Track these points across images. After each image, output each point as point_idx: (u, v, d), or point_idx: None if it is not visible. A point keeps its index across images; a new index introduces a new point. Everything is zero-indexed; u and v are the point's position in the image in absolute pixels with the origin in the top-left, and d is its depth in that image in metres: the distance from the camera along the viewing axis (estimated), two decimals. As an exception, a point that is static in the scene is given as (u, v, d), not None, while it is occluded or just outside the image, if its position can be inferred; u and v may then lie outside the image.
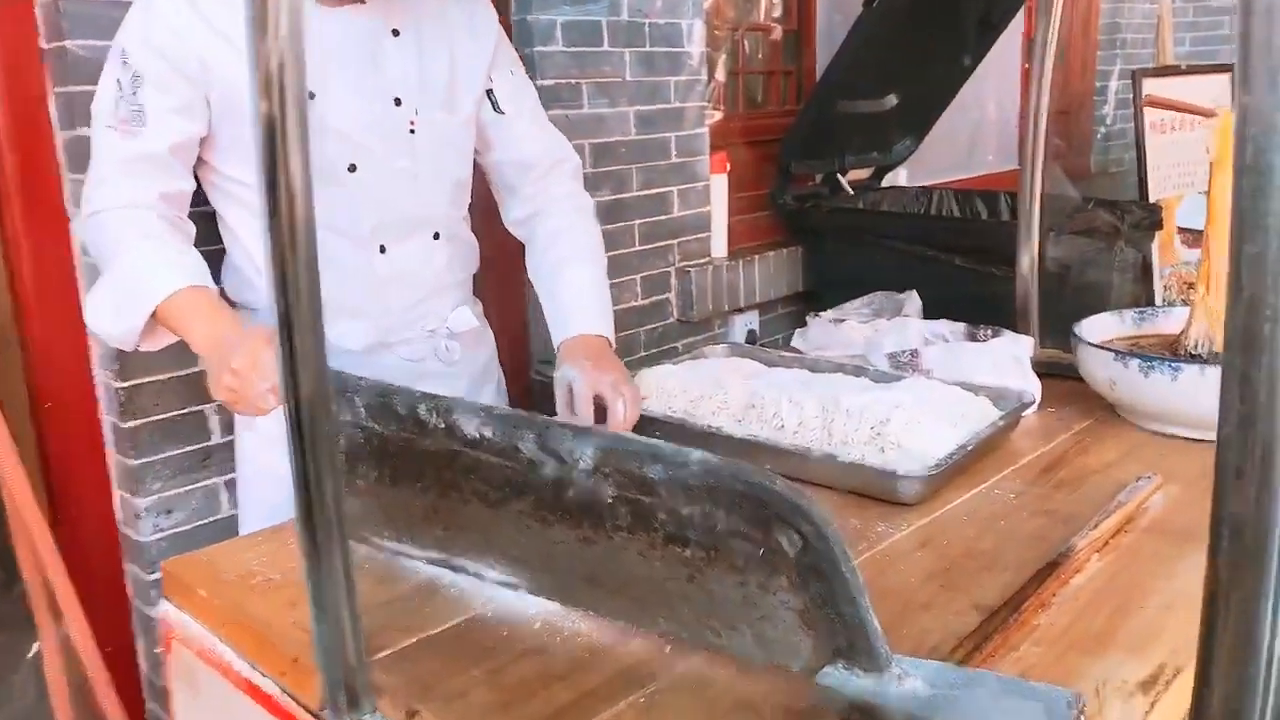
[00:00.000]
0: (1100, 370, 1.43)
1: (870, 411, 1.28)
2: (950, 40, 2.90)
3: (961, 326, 1.67)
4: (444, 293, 1.54)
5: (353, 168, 1.38)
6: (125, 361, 1.61)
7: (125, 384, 1.62)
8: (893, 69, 2.81)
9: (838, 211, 2.96)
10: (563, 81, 2.27)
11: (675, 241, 2.61)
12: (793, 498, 0.77)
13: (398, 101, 1.40)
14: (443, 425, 1.00)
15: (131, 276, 1.28)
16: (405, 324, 1.51)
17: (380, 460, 1.11)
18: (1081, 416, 1.48)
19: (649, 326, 2.60)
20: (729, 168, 2.74)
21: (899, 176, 3.48)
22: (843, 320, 1.74)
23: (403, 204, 1.44)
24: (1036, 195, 1.79)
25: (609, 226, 2.28)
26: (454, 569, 1.07)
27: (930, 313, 1.88)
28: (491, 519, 1.01)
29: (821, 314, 1.82)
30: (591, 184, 2.00)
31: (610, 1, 2.33)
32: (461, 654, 0.92)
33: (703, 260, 2.71)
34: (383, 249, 1.44)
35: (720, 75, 2.91)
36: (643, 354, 2.58)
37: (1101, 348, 1.43)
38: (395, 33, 1.40)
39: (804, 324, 1.85)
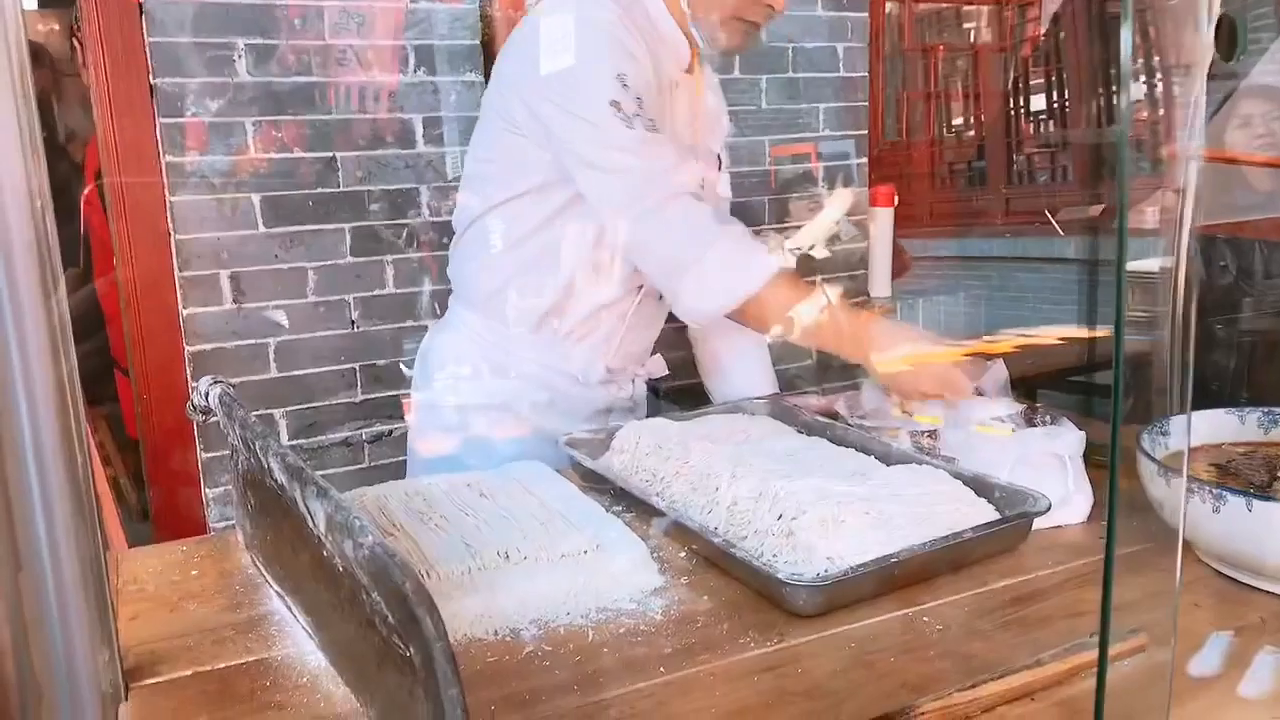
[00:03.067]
0: (1149, 483, 1.14)
1: (794, 500, 1.11)
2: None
3: (1021, 409, 1.41)
4: (652, 344, 1.72)
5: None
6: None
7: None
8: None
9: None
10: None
11: (818, 278, 2.44)
12: (411, 604, 0.68)
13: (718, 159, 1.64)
14: (264, 464, 1.00)
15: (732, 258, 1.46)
16: (626, 368, 1.69)
17: (252, 489, 1.14)
18: (1139, 538, 1.19)
19: (782, 366, 2.45)
20: (896, 201, 2.51)
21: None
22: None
23: None
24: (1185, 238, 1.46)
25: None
26: (287, 605, 1.07)
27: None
28: (298, 564, 1.00)
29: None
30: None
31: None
32: (215, 698, 0.91)
33: (856, 300, 2.51)
34: (639, 288, 1.57)
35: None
36: (770, 394, 2.42)
37: (1148, 456, 1.14)
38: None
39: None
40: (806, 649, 0.96)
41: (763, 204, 2.35)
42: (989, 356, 1.68)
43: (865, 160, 2.45)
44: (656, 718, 0.85)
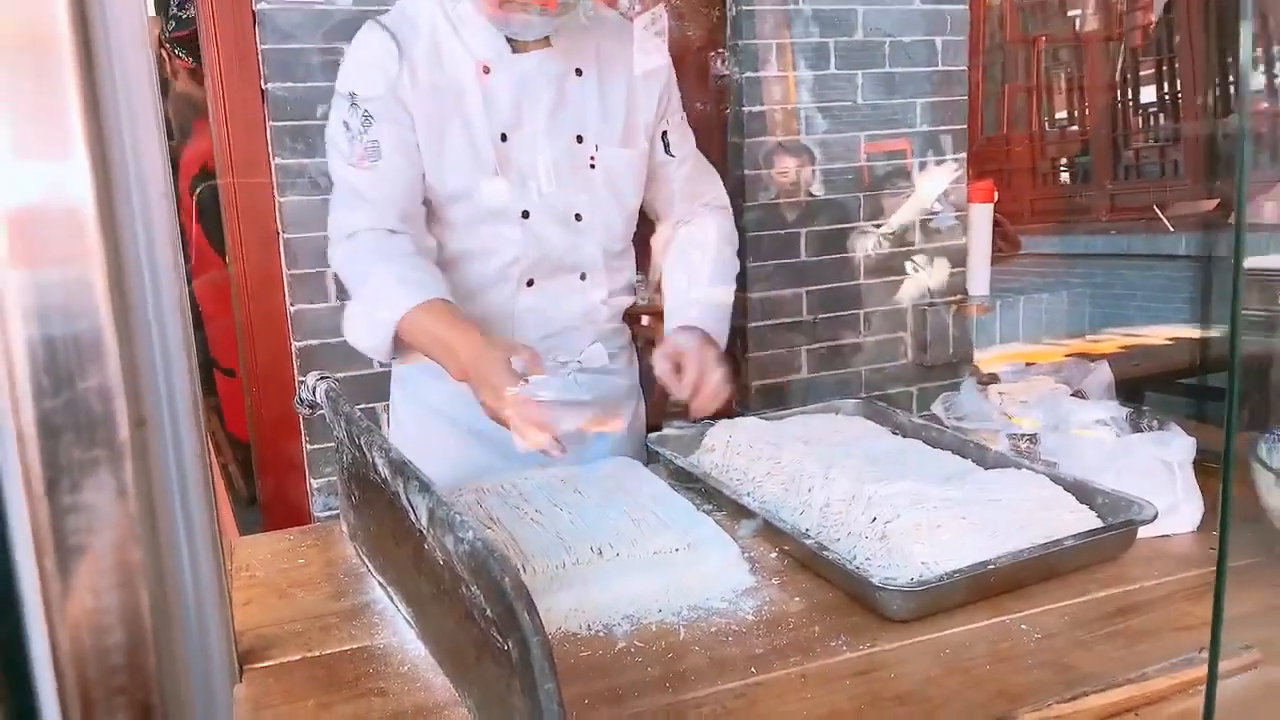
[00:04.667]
0: (1266, 493, 1.09)
1: (889, 503, 1.10)
2: None
3: (1127, 412, 1.36)
4: (581, 330, 1.56)
5: (526, 214, 1.44)
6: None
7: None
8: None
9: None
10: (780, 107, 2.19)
11: (910, 276, 2.40)
12: (510, 599, 0.70)
13: (579, 139, 1.46)
14: (369, 459, 1.04)
15: (373, 299, 1.38)
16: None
17: (356, 482, 1.18)
18: (1252, 551, 1.14)
19: (874, 366, 2.42)
20: (995, 197, 2.45)
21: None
22: (987, 386, 1.50)
23: (561, 245, 1.48)
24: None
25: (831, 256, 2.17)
26: (389, 595, 1.10)
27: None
28: (400, 556, 1.03)
29: (977, 377, 1.57)
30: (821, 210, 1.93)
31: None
32: (321, 683, 0.94)
33: (953, 298, 2.46)
34: (530, 283, 1.49)
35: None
36: (863, 395, 2.40)
37: (1264, 465, 1.09)
38: (579, 72, 1.45)
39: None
40: (899, 654, 0.95)
41: (856, 201, 2.32)
42: (1092, 357, 1.63)
43: (964, 155, 2.39)
44: (747, 718, 0.85)
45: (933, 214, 2.41)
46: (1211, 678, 0.65)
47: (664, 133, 1.54)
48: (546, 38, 1.41)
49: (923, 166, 2.33)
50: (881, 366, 2.41)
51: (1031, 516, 1.12)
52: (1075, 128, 6.11)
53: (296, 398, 1.37)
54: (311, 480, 2.00)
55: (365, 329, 1.40)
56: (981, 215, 2.44)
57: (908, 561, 1.04)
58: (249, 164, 1.99)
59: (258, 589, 1.15)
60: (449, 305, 1.33)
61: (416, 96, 1.37)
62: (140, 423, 0.27)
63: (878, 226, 2.39)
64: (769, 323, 2.30)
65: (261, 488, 2.11)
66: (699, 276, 1.56)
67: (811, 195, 2.24)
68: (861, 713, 0.86)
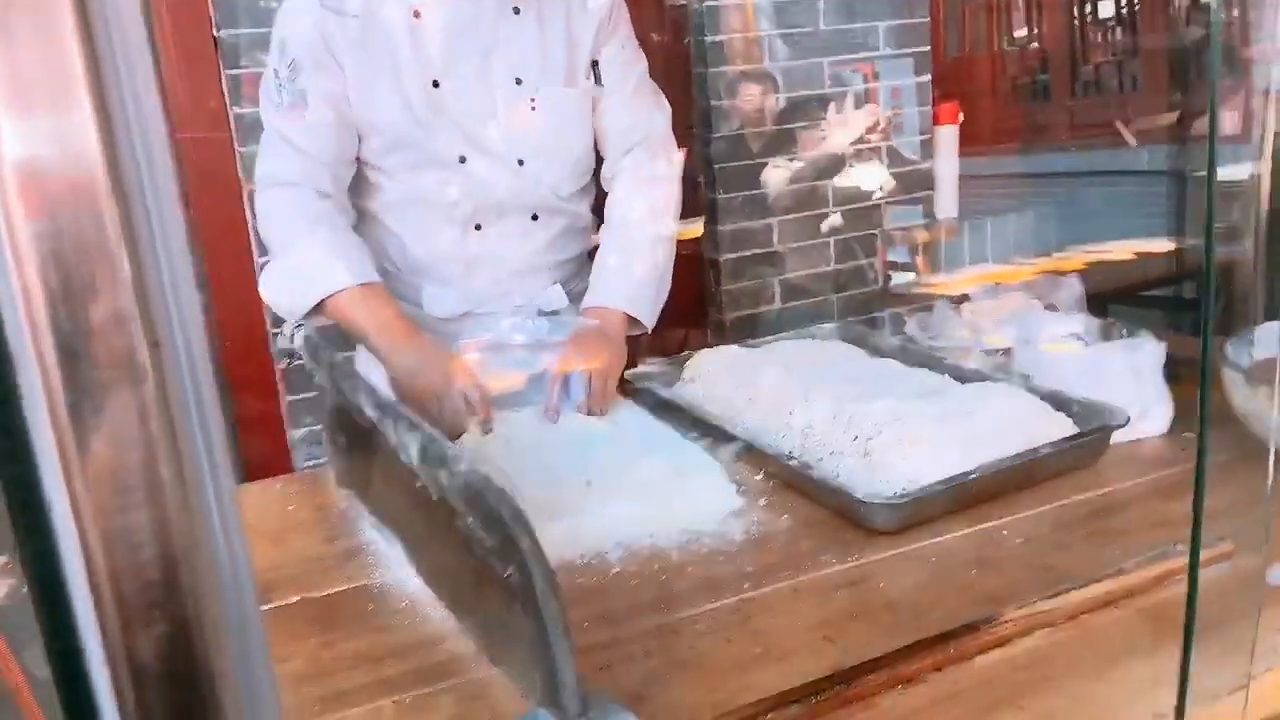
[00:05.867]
0: (1234, 393, 1.12)
1: (870, 421, 1.12)
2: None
3: (1098, 324, 1.39)
4: (537, 272, 1.53)
5: (463, 159, 1.41)
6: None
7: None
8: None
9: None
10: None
11: (880, 202, 2.41)
12: (510, 526, 0.71)
13: (519, 81, 1.41)
14: (354, 403, 1.04)
15: (304, 264, 1.36)
16: (493, 298, 1.51)
17: (343, 428, 1.18)
18: (1223, 449, 1.17)
19: (847, 294, 2.44)
20: (961, 118, 2.45)
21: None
22: (960, 305, 1.52)
23: (505, 188, 1.45)
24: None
25: (800, 185, 2.16)
26: (383, 535, 1.11)
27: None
28: (392, 496, 1.04)
29: (949, 297, 1.59)
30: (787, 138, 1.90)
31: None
32: (321, 622, 0.96)
33: (922, 223, 2.47)
34: (478, 227, 1.46)
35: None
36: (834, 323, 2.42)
37: (1234, 366, 1.12)
38: (516, 11, 1.40)
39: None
40: (887, 564, 0.98)
41: (820, 129, 2.31)
42: (1062, 273, 1.65)
43: (928, 78, 2.39)
44: (742, 632, 0.88)
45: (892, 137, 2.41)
46: (1193, 566, 0.68)
47: (594, 62, 1.47)
48: None
49: (888, 91, 2.32)
50: (853, 293, 2.43)
51: (1009, 427, 1.15)
52: (1035, 45, 6.10)
53: (274, 348, 1.36)
54: (292, 432, 2.00)
55: (285, 291, 1.38)
56: (947, 137, 2.45)
57: (890, 476, 1.06)
58: (205, 116, 1.94)
59: (251, 536, 1.15)
60: (387, 295, 1.36)
61: (347, 43, 1.33)
62: (155, 344, 0.27)
63: (844, 155, 2.39)
64: (740, 254, 2.31)
65: (242, 443, 2.10)
66: (613, 248, 1.50)
67: (776, 125, 2.23)
68: (853, 619, 0.88)
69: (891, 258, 2.49)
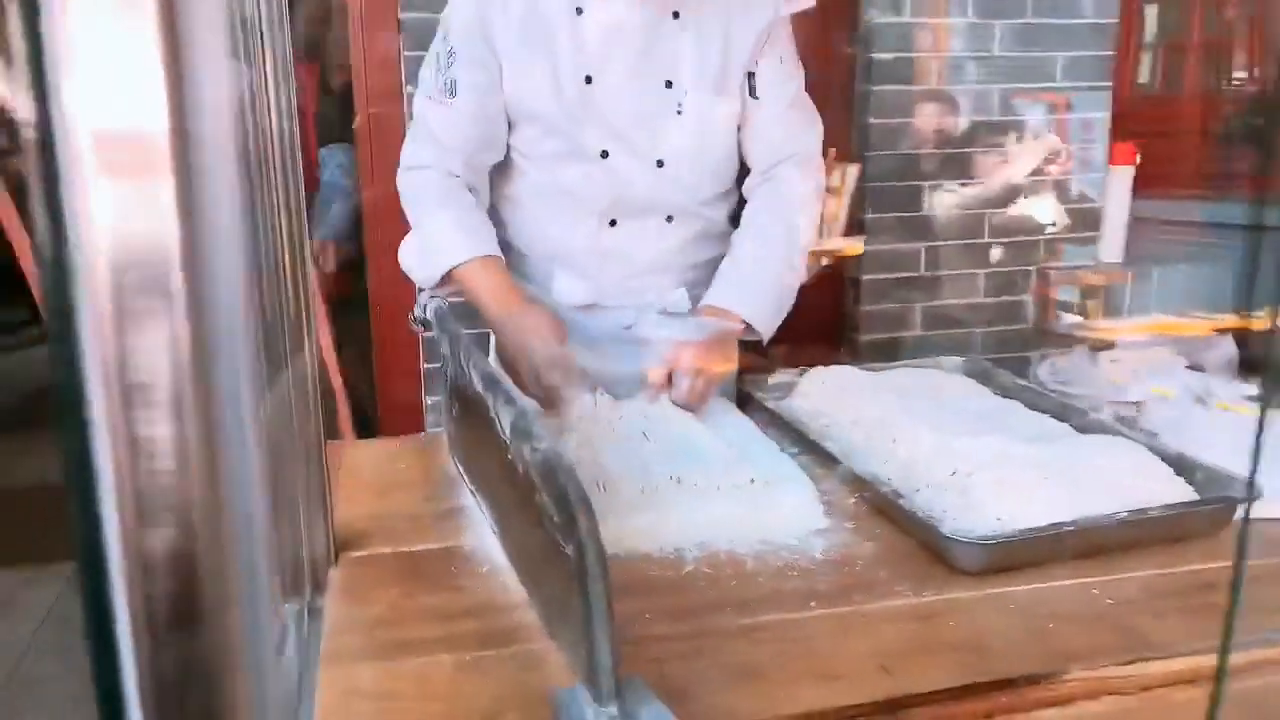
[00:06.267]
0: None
1: (973, 458, 1.09)
2: None
3: (1244, 389, 1.30)
4: (667, 273, 1.56)
5: (605, 154, 1.45)
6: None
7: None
8: None
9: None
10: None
11: (1041, 238, 2.31)
12: (573, 505, 0.74)
13: (669, 84, 1.44)
14: (468, 374, 1.10)
15: (432, 238, 1.48)
16: (620, 293, 1.56)
17: (457, 396, 1.25)
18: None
19: (995, 329, 2.35)
20: (1137, 159, 2.33)
21: None
22: (1098, 353, 1.45)
23: (644, 187, 1.48)
24: None
25: (961, 213, 2.11)
26: (476, 502, 1.17)
27: None
28: (488, 466, 1.09)
29: (1091, 343, 1.52)
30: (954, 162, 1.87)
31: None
32: (407, 575, 1.02)
33: (1082, 265, 2.36)
34: (613, 223, 1.51)
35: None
36: (978, 354, 2.34)
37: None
38: (675, 15, 1.43)
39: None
40: (962, 604, 0.96)
41: (986, 157, 2.24)
42: (1220, 331, 1.55)
43: (1105, 114, 2.28)
44: (799, 648, 0.88)
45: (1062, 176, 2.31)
46: None
47: (750, 74, 1.48)
48: None
49: (1061, 125, 2.22)
50: (1002, 329, 2.34)
51: (1119, 483, 1.10)
52: (1248, 88, 5.68)
53: (411, 316, 1.45)
54: (426, 398, 2.11)
55: (419, 263, 1.50)
56: (1119, 178, 2.33)
57: (985, 516, 1.03)
58: (385, 93, 2.06)
59: (361, 488, 1.24)
60: (503, 268, 1.45)
61: (506, 33, 1.40)
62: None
63: (1012, 186, 2.31)
64: (883, 276, 2.27)
65: (381, 403, 2.23)
66: (743, 254, 1.51)
67: (954, 149, 2.18)
68: (914, 653, 0.87)
69: (1056, 297, 2.38)
